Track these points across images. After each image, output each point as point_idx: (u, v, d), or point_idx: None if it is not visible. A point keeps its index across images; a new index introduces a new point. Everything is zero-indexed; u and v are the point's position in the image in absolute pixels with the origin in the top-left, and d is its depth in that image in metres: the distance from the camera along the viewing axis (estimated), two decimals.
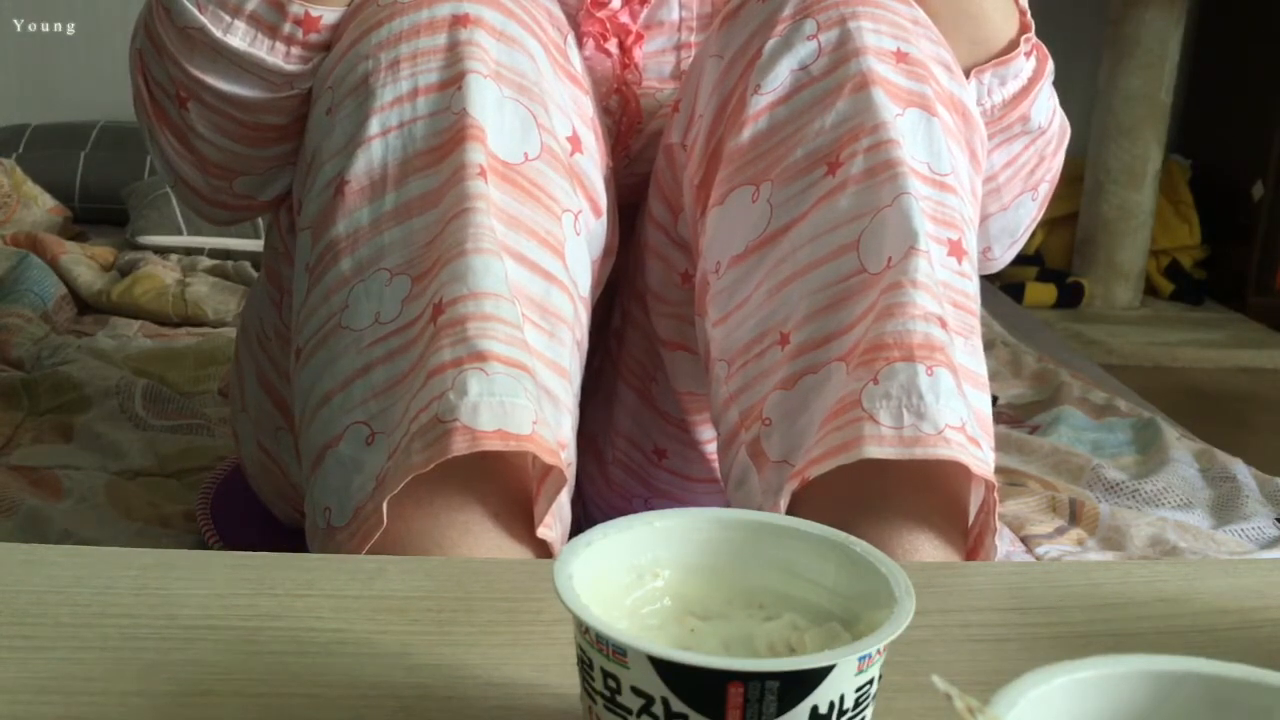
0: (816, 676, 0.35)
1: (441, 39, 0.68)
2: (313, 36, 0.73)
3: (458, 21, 0.68)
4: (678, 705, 0.35)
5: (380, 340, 0.65)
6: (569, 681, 0.45)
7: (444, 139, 0.66)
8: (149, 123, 0.80)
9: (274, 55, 0.73)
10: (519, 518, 0.64)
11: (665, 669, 0.35)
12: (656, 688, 0.35)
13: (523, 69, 0.69)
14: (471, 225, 0.64)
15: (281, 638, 0.47)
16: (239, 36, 0.72)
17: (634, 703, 0.36)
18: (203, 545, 0.94)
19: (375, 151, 0.67)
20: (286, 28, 0.72)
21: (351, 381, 0.65)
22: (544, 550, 0.64)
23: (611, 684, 0.36)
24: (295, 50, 0.73)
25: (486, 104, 0.67)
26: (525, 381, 0.62)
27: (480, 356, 0.61)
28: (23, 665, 0.44)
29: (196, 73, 0.74)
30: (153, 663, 0.45)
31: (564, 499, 0.65)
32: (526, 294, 0.66)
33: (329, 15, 0.72)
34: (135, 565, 0.52)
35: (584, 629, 0.36)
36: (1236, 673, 0.33)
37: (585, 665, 0.37)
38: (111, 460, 1.13)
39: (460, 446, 0.59)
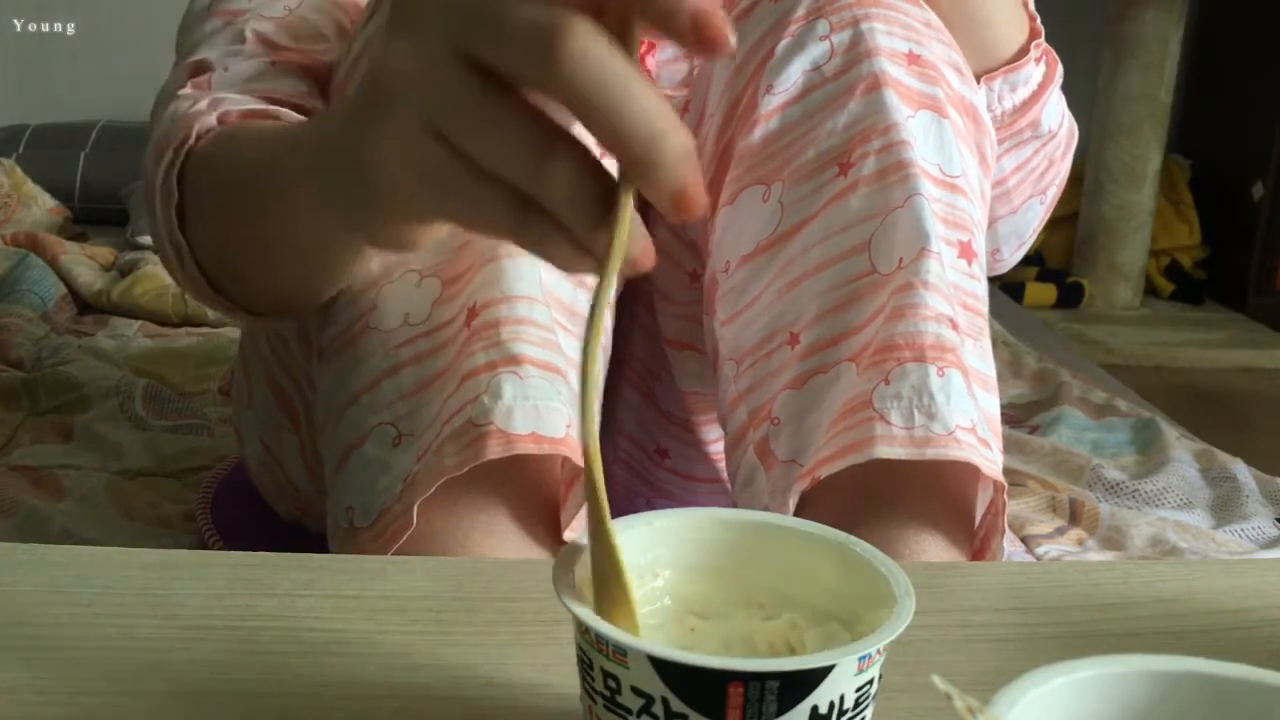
0: (817, 676, 0.35)
1: None
2: None
3: None
4: (678, 705, 0.35)
5: (409, 342, 0.65)
6: (569, 681, 0.45)
7: None
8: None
9: None
10: (543, 520, 0.64)
11: (665, 669, 0.35)
12: (656, 688, 0.35)
13: None
14: None
15: (281, 638, 0.47)
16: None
17: (634, 703, 0.36)
18: (203, 545, 0.94)
19: None
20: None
21: (379, 383, 0.65)
22: None
23: (611, 684, 0.36)
24: None
25: None
26: (559, 384, 0.62)
27: (514, 360, 0.61)
28: (23, 665, 0.44)
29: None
30: (153, 663, 0.45)
31: None
32: (556, 297, 0.66)
33: None
34: (135, 565, 0.52)
35: (584, 629, 0.36)
36: (1236, 673, 0.32)
37: (585, 665, 0.37)
38: (111, 460, 1.13)
39: (495, 450, 0.59)
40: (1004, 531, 0.67)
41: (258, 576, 0.52)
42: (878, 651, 0.36)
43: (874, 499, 0.66)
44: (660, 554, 0.42)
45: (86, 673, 0.44)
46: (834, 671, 0.35)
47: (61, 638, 0.46)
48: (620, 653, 0.35)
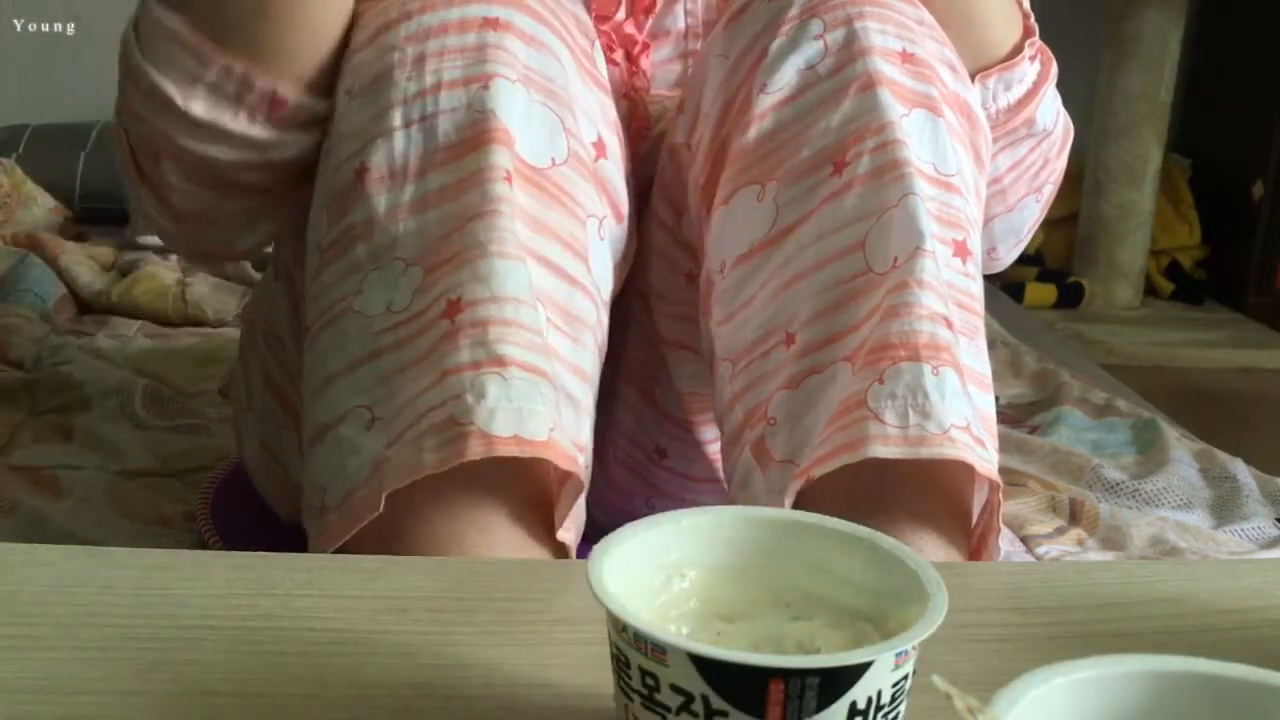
0: (855, 673, 0.35)
1: (470, 39, 0.67)
2: (281, 114, 0.71)
3: (487, 24, 0.68)
4: (718, 702, 0.35)
5: (389, 329, 0.65)
6: (569, 681, 0.45)
7: (466, 136, 0.66)
8: (129, 179, 0.79)
9: (237, 123, 0.71)
10: (538, 519, 0.64)
11: (706, 666, 0.35)
12: (697, 685, 0.35)
13: (551, 74, 0.69)
14: (496, 229, 0.64)
15: (281, 638, 0.47)
16: (200, 103, 0.71)
17: (673, 700, 0.36)
18: (203, 545, 0.94)
19: (397, 143, 0.67)
20: (251, 98, 0.71)
21: (359, 365, 0.65)
22: (562, 552, 0.64)
23: (650, 682, 0.36)
24: (261, 120, 0.72)
25: (515, 108, 0.66)
26: (543, 387, 0.62)
27: (500, 361, 0.61)
28: (23, 665, 0.44)
29: (172, 135, 0.73)
30: (153, 663, 0.45)
31: (580, 501, 0.66)
32: (550, 298, 0.66)
33: (297, 95, 0.71)
34: (135, 565, 0.52)
35: (621, 627, 0.36)
36: (1236, 673, 0.33)
37: (621, 663, 0.37)
38: (111, 460, 1.13)
39: (475, 451, 0.59)
40: (1000, 530, 0.67)
41: (258, 576, 0.52)
42: (913, 648, 0.36)
43: (869, 498, 0.66)
44: (687, 553, 0.42)
45: (86, 673, 0.44)
46: (872, 668, 0.35)
47: (61, 638, 0.46)
48: (659, 650, 0.35)
